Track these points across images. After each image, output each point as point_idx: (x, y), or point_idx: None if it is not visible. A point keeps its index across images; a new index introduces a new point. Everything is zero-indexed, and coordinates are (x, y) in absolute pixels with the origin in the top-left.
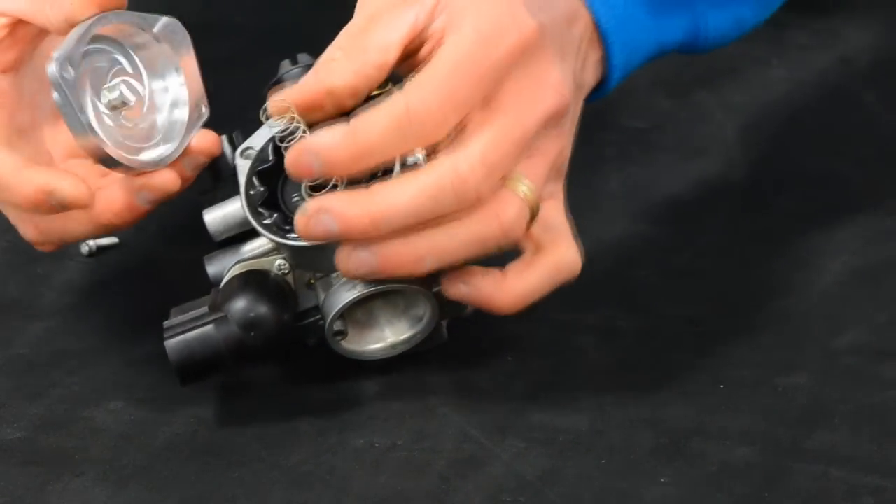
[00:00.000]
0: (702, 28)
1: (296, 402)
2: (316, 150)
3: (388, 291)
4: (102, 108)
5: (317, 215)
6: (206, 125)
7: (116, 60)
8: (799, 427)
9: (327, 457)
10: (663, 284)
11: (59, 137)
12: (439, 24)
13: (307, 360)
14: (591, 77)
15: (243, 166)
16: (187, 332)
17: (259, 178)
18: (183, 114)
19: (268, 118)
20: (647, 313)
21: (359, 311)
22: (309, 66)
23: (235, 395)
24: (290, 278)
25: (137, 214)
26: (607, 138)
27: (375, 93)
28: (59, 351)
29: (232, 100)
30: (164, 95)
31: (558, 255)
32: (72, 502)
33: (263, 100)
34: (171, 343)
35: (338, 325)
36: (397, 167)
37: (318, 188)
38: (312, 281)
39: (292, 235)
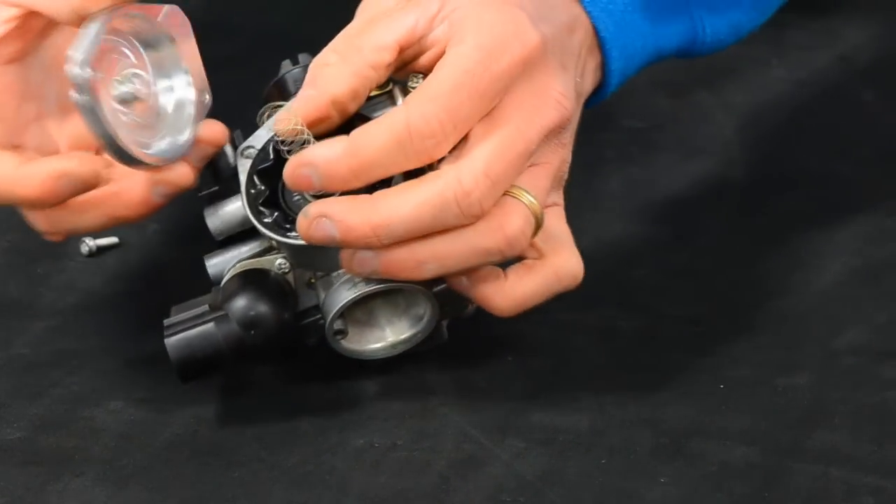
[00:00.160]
0: (699, 33)
1: (296, 402)
2: (315, 163)
3: (388, 291)
4: (115, 104)
5: (318, 219)
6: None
7: (124, 53)
8: (799, 427)
9: (327, 457)
10: (663, 284)
11: (64, 129)
12: (440, 34)
13: (307, 360)
14: (589, 83)
15: (244, 165)
16: (188, 330)
17: (260, 177)
18: (189, 105)
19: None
20: (647, 313)
21: (359, 311)
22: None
23: (235, 395)
24: (290, 277)
25: (151, 208)
26: (607, 138)
27: (376, 93)
28: (59, 351)
29: (232, 100)
30: (170, 88)
31: (559, 263)
32: (72, 502)
33: (263, 100)
34: (172, 341)
35: (338, 325)
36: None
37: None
38: (313, 280)
39: (293, 234)
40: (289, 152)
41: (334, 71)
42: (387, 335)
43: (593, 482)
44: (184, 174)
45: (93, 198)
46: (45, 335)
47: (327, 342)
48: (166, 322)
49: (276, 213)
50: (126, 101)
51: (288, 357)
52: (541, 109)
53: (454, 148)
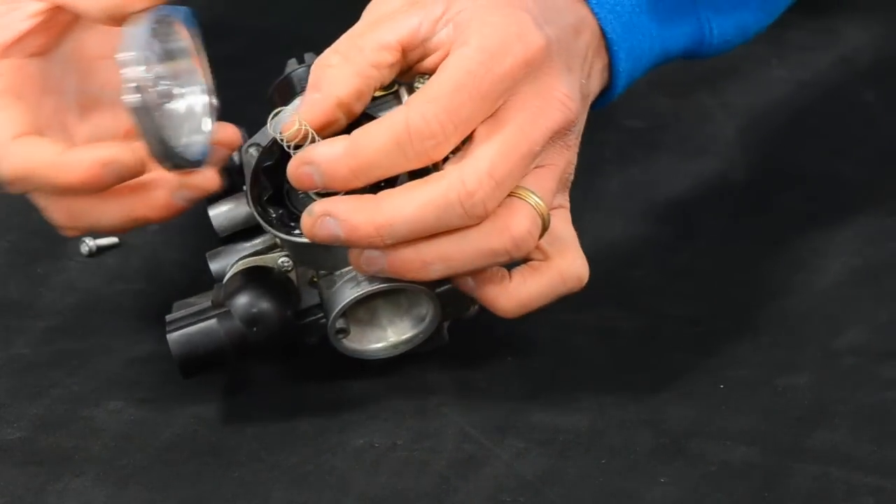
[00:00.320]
0: (706, 34)
1: (296, 402)
2: (316, 162)
3: (391, 290)
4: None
5: (322, 218)
6: None
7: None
8: (799, 427)
9: (327, 457)
10: (663, 284)
11: (83, 126)
12: (444, 36)
13: (307, 359)
14: (596, 85)
15: (249, 163)
16: (190, 326)
17: (265, 175)
18: (204, 107)
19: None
20: (647, 313)
21: (361, 310)
22: None
23: (236, 395)
24: (292, 275)
25: (173, 212)
26: (607, 138)
27: (380, 94)
28: (59, 351)
29: (232, 99)
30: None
31: (565, 265)
32: (72, 502)
33: (268, 99)
34: (174, 336)
35: (340, 323)
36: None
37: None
38: (315, 279)
39: (297, 232)
40: (295, 150)
41: (337, 72)
42: (388, 335)
43: (593, 482)
44: (210, 179)
45: (117, 194)
46: (45, 335)
47: (329, 341)
48: (168, 318)
49: (280, 211)
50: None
51: (289, 355)
52: (545, 111)
53: (459, 149)
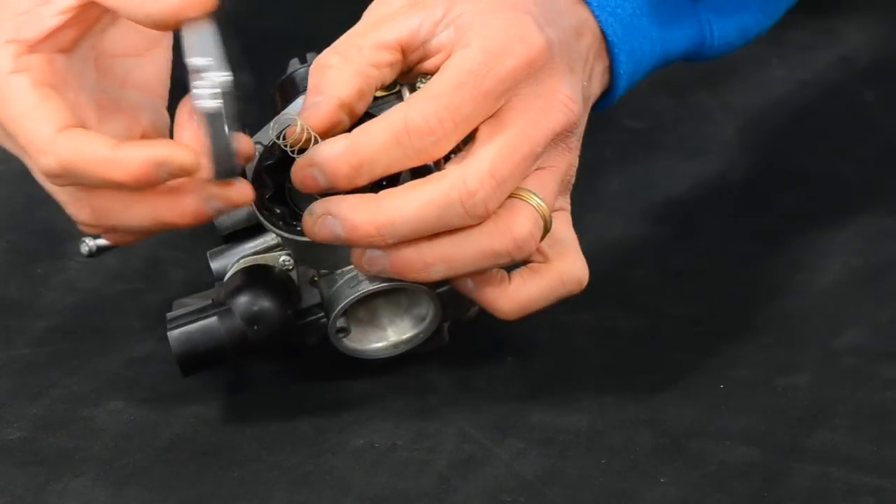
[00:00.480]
0: (707, 37)
1: (296, 402)
2: (318, 162)
3: (391, 290)
4: None
5: (323, 217)
6: None
7: None
8: (799, 427)
9: (327, 457)
10: (663, 284)
11: (99, 127)
12: (445, 39)
13: (307, 359)
14: (597, 87)
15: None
16: (190, 324)
17: (266, 174)
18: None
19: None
20: (647, 313)
21: (362, 310)
22: None
23: (235, 395)
24: (293, 275)
25: (200, 220)
26: (607, 138)
27: (382, 94)
28: (59, 351)
29: None
30: None
31: (565, 268)
32: (72, 502)
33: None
34: (174, 334)
35: (341, 323)
36: (404, 172)
37: None
38: (316, 278)
39: (298, 230)
40: (298, 153)
41: (337, 73)
42: (389, 335)
43: (593, 482)
44: (245, 192)
45: (147, 196)
46: (45, 335)
47: (329, 340)
48: (169, 315)
49: (281, 210)
50: None
51: (289, 354)
52: (547, 112)
53: (461, 150)
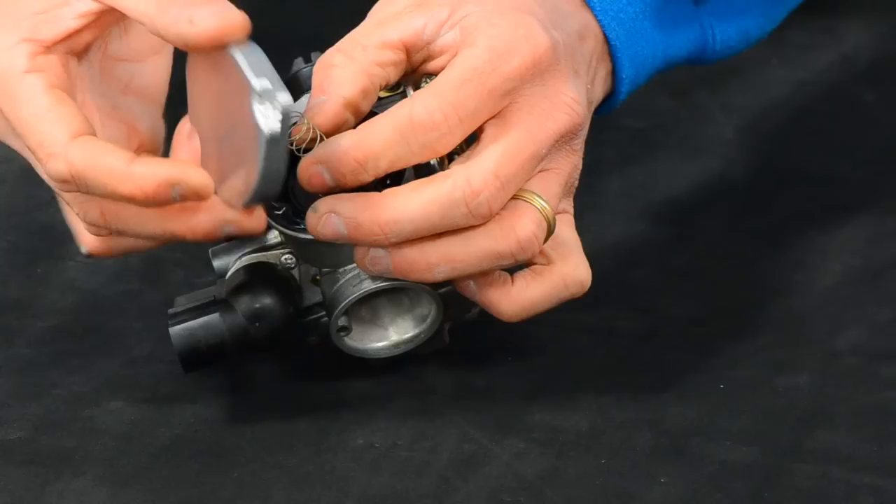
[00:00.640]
0: (709, 41)
1: (296, 402)
2: (324, 158)
3: (393, 289)
4: None
5: (327, 215)
6: None
7: None
8: (799, 427)
9: (327, 457)
10: (663, 284)
11: (102, 134)
12: (450, 39)
13: (307, 359)
14: (599, 91)
15: None
16: (192, 320)
17: None
18: None
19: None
20: (647, 313)
21: (363, 309)
22: None
23: (235, 395)
24: (295, 273)
25: (210, 238)
26: (607, 138)
27: (387, 94)
28: (59, 351)
29: None
30: None
31: (567, 270)
32: (72, 502)
33: None
34: (176, 330)
35: (342, 321)
36: (408, 170)
37: None
38: (318, 277)
39: (301, 227)
40: (304, 152)
41: (341, 72)
42: (390, 334)
43: (593, 482)
44: (261, 223)
45: (163, 208)
46: (45, 335)
47: (330, 339)
48: (171, 311)
49: (284, 208)
50: None
51: (290, 352)
52: (552, 114)
53: (465, 150)
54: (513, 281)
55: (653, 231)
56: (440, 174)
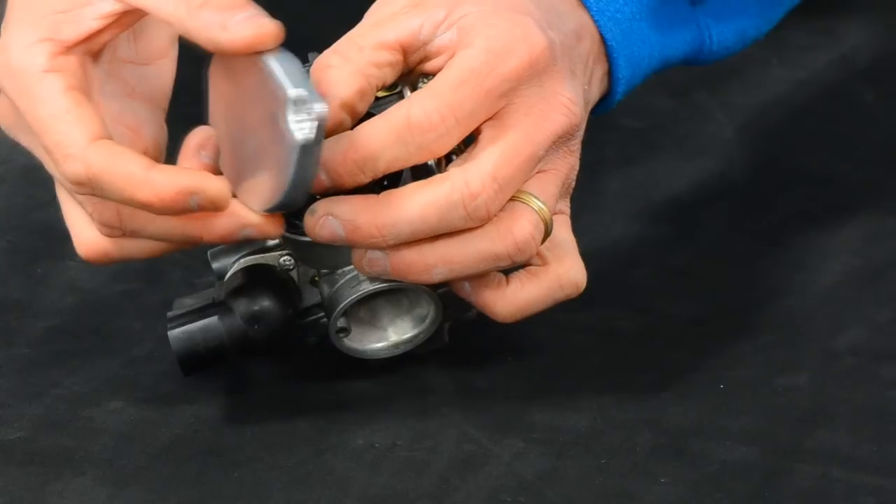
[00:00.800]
0: (706, 42)
1: (296, 402)
2: (322, 160)
3: (392, 290)
4: None
5: (325, 217)
6: None
7: None
8: (799, 427)
9: (327, 457)
10: (663, 284)
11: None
12: (447, 40)
13: (307, 359)
14: (596, 92)
15: None
16: (191, 323)
17: None
18: None
19: None
20: (647, 313)
21: (362, 309)
22: None
23: (235, 395)
24: (294, 274)
25: (227, 241)
26: (607, 138)
27: (384, 94)
28: (59, 351)
29: None
30: None
31: (562, 271)
32: (72, 502)
33: None
34: (175, 333)
35: (341, 323)
36: (405, 173)
37: None
38: (316, 278)
39: (300, 231)
40: None
41: (337, 73)
42: (389, 335)
43: (593, 482)
44: (280, 228)
45: None
46: (45, 335)
47: (329, 340)
48: (169, 314)
49: None
50: None
51: (290, 353)
52: (549, 115)
53: (463, 151)
54: (508, 282)
55: (652, 231)
56: (438, 176)
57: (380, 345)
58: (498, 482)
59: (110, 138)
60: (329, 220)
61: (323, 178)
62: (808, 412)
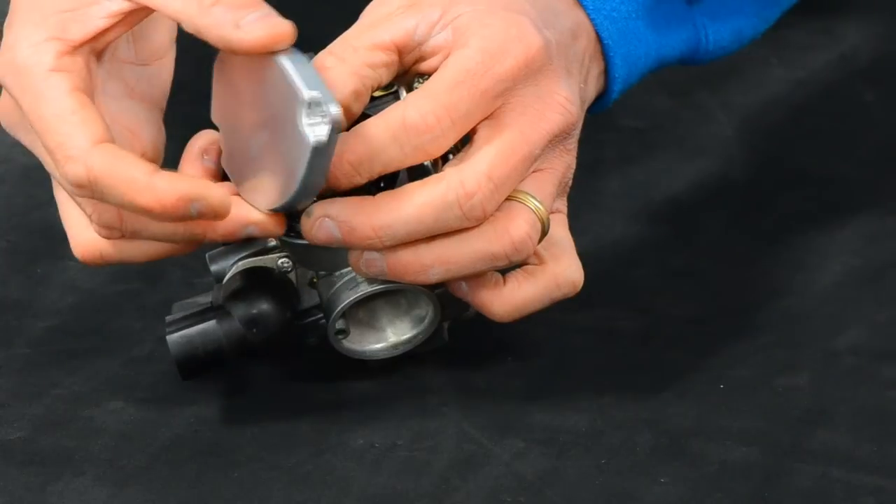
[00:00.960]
0: (702, 41)
1: (296, 402)
2: None
3: (390, 291)
4: None
5: (321, 220)
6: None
7: None
8: (799, 427)
9: (327, 457)
10: (663, 284)
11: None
12: (442, 40)
13: (307, 360)
14: (592, 90)
15: None
16: (189, 327)
17: None
18: None
19: None
20: (647, 313)
21: (361, 311)
22: None
23: (235, 395)
24: (292, 276)
25: (229, 240)
26: (607, 138)
27: (380, 93)
28: (59, 351)
29: None
30: None
31: (559, 271)
32: (72, 502)
33: None
34: (173, 337)
35: (340, 324)
36: (401, 174)
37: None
38: (315, 279)
39: (297, 232)
40: None
41: (332, 74)
42: (388, 335)
43: (593, 482)
44: (279, 227)
45: None
46: (45, 335)
47: (328, 342)
48: (168, 319)
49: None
50: None
51: (290, 352)
52: (545, 114)
53: (459, 150)
54: (505, 281)
55: (652, 231)
56: (433, 177)
57: (379, 346)
58: (498, 482)
59: (112, 142)
60: (325, 221)
61: None
62: (808, 412)
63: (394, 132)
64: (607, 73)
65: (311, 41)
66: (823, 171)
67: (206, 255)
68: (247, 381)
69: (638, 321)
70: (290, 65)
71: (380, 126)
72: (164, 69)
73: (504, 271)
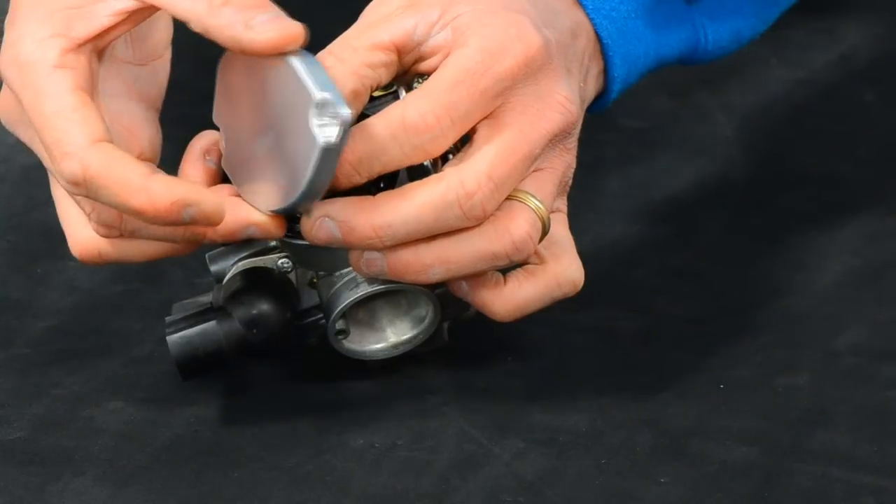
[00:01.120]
0: (701, 41)
1: (296, 402)
2: None
3: (390, 291)
4: None
5: (321, 220)
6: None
7: None
8: (799, 427)
9: (327, 457)
10: (663, 284)
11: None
12: (441, 40)
13: (307, 360)
14: (592, 90)
15: None
16: (189, 328)
17: None
18: None
19: None
20: (647, 313)
21: (361, 311)
22: None
23: (235, 395)
24: (292, 276)
25: (229, 240)
26: (607, 138)
27: (380, 93)
28: (59, 351)
29: None
30: None
31: (560, 270)
32: (72, 502)
33: None
34: (173, 338)
35: (340, 325)
36: (401, 173)
37: None
38: (315, 280)
39: (297, 233)
40: None
41: (332, 74)
42: (388, 336)
43: (593, 482)
44: (280, 229)
45: None
46: (45, 335)
47: (328, 342)
48: (168, 319)
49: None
50: None
51: (290, 352)
52: (545, 113)
53: (459, 150)
54: (505, 281)
55: (652, 231)
56: (433, 176)
57: (379, 346)
58: (498, 482)
59: (111, 142)
60: (325, 221)
61: None
62: (808, 412)
63: (393, 132)
64: (607, 72)
65: (311, 41)
66: (823, 171)
67: (206, 256)
68: (247, 381)
69: (638, 321)
70: (301, 65)
71: (379, 126)
72: (160, 69)
73: (504, 271)
